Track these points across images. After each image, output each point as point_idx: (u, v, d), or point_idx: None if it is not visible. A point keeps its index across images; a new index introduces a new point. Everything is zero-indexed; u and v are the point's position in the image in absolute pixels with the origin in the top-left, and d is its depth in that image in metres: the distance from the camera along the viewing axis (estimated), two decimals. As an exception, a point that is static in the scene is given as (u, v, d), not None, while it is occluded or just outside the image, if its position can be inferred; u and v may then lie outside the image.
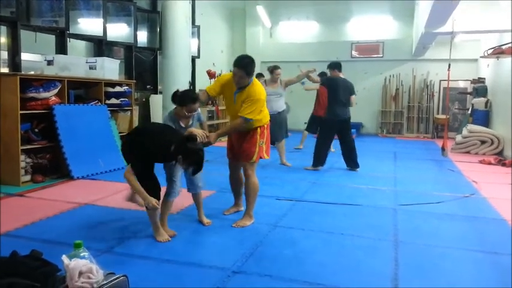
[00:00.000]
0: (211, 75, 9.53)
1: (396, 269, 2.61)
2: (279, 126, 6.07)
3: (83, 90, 5.83)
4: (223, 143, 9.53)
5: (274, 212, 3.81)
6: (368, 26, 11.61)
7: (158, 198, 2.86)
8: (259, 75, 8.24)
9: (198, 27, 9.64)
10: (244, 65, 3.18)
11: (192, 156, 2.71)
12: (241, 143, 3.42)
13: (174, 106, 3.21)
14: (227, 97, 3.44)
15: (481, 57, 8.21)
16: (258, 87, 3.32)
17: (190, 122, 3.26)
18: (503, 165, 6.60)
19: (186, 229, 3.29)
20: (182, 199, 4.14)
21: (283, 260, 2.74)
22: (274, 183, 5.06)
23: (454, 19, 6.62)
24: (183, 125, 3.19)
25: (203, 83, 9.95)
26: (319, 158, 5.98)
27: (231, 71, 3.48)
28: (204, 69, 9.61)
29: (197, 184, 3.38)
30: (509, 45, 6.96)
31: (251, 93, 3.25)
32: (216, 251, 2.89)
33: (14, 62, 5.42)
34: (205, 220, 3.42)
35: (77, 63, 5.74)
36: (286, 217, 3.69)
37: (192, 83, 9.32)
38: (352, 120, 11.42)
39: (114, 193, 4.37)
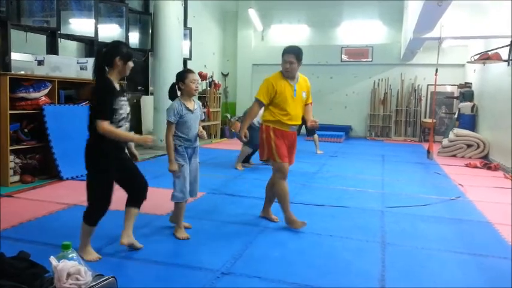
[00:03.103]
0: (202, 77, 9.54)
1: (383, 271, 2.66)
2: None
3: (74, 91, 5.80)
4: (216, 144, 9.46)
5: (264, 214, 3.83)
6: (358, 31, 11.74)
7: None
8: None
9: (190, 29, 9.65)
10: (296, 51, 3.28)
11: None
12: (294, 145, 3.49)
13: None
14: (284, 96, 3.30)
15: (467, 62, 8.35)
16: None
17: (196, 106, 3.19)
18: (489, 168, 6.72)
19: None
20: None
21: (272, 261, 2.77)
22: (264, 185, 5.08)
23: (442, 25, 6.74)
24: (190, 108, 3.13)
25: (194, 85, 9.95)
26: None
27: (280, 70, 3.36)
28: (196, 71, 9.57)
29: (195, 187, 3.27)
30: (495, 51, 7.11)
31: (306, 81, 3.47)
32: (205, 253, 2.90)
33: (4, 61, 5.38)
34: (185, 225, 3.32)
35: (68, 63, 5.70)
36: (275, 219, 3.72)
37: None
38: (342, 123, 11.79)
39: (103, 194, 4.35)
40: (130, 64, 2.73)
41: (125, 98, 2.75)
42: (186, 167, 3.14)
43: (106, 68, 2.66)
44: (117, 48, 2.66)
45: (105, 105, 2.58)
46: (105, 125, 2.54)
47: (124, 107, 2.70)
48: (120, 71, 2.70)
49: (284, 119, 3.33)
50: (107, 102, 2.58)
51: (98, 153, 2.65)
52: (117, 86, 2.69)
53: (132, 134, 2.64)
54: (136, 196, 2.88)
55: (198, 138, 3.19)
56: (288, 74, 3.33)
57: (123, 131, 2.69)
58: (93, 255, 2.70)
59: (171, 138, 3.08)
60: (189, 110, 3.12)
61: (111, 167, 2.67)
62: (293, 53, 3.27)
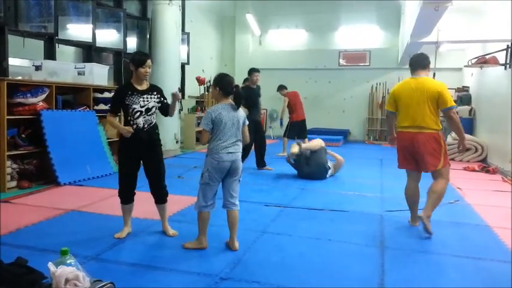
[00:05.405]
0: (200, 81, 9.55)
1: (382, 275, 2.65)
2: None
3: (72, 96, 5.80)
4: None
5: (262, 218, 3.83)
6: (355, 35, 11.79)
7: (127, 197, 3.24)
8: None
9: (188, 34, 9.67)
10: None
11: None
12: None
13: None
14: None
15: (465, 66, 8.39)
16: None
17: None
18: (487, 172, 6.73)
19: (174, 236, 3.29)
20: (169, 205, 4.14)
21: (271, 266, 2.76)
22: (263, 190, 5.08)
23: (439, 29, 6.77)
24: None
25: (193, 90, 9.97)
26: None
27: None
28: (194, 75, 9.63)
29: (232, 199, 3.13)
30: (493, 55, 7.15)
31: None
32: (204, 258, 2.89)
33: (2, 67, 5.36)
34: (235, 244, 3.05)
35: (65, 68, 5.70)
36: (274, 223, 3.72)
37: (182, 89, 9.32)
38: (340, 127, 11.79)
39: (101, 199, 4.34)
40: (141, 70, 3.11)
41: (147, 96, 3.15)
42: None
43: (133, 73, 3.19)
44: (132, 56, 3.21)
45: (111, 102, 3.29)
46: (108, 117, 3.22)
47: (140, 103, 3.10)
48: (136, 75, 3.15)
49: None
50: (113, 100, 3.26)
51: (118, 144, 3.29)
52: (139, 87, 3.16)
53: (120, 125, 3.16)
54: (156, 197, 3.29)
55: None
56: None
57: (141, 123, 3.10)
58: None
59: None
60: None
61: (123, 156, 3.17)
62: None
